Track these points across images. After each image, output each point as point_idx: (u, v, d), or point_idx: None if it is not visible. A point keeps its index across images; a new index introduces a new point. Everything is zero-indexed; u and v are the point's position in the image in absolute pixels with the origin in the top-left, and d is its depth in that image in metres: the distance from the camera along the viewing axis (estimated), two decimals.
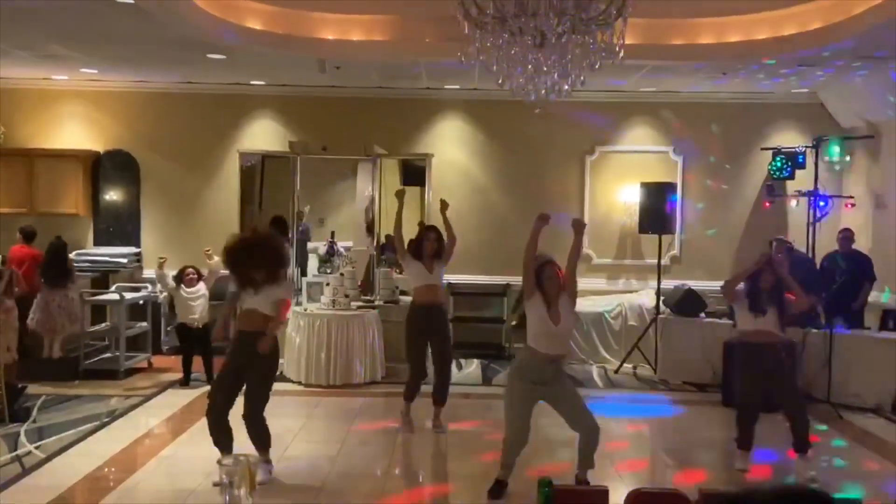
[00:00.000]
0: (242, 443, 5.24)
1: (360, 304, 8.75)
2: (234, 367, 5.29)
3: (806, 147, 9.29)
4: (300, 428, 6.67)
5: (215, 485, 4.98)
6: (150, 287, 9.37)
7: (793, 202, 9.67)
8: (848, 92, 9.30)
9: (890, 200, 9.03)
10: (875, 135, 9.25)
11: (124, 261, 9.83)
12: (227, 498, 1.58)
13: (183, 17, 6.57)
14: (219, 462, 1.74)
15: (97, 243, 10.21)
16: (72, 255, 9.68)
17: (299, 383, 8.18)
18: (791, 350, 5.99)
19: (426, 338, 6.65)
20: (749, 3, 7.02)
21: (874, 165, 9.43)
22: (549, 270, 5.10)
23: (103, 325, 9.08)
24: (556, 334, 5.06)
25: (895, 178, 8.90)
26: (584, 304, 9.49)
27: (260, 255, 5.33)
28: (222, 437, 5.19)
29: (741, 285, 5.91)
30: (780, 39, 7.14)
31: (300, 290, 9.17)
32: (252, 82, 9.91)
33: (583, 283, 9.86)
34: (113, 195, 10.27)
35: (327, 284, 8.61)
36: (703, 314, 8.59)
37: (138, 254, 10.17)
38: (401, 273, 7.10)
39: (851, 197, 9.52)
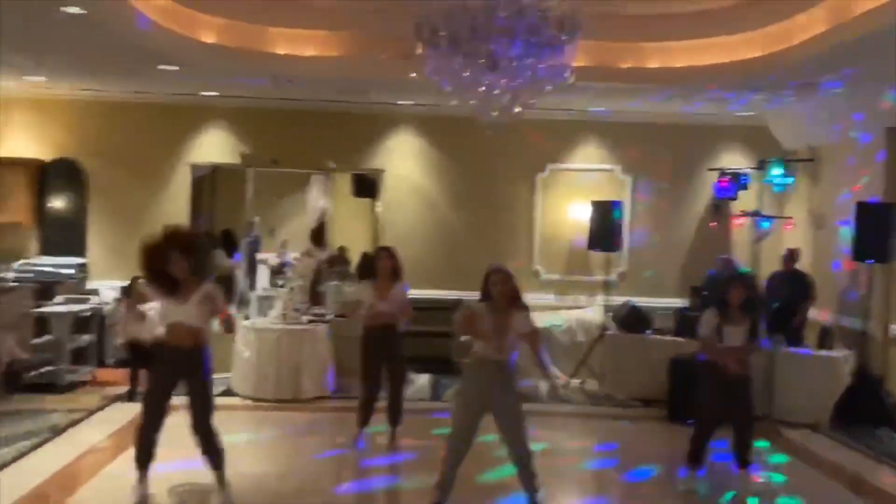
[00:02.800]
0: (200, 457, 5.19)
1: (311, 318, 8.70)
2: (165, 385, 5.15)
3: (750, 168, 9.56)
4: (247, 443, 6.62)
5: None
6: (95, 299, 9.19)
7: (737, 222, 9.92)
8: (790, 117, 9.60)
9: (828, 221, 9.33)
10: (815, 158, 9.57)
11: (70, 271, 9.63)
12: None
13: (135, 29, 6.51)
14: (170, 491, 1.74)
15: (42, 253, 9.99)
16: (15, 265, 9.48)
17: (247, 398, 8.10)
18: (749, 373, 6.04)
19: (381, 361, 6.64)
20: (695, 29, 7.23)
21: (814, 187, 9.74)
22: (495, 277, 5.05)
23: (46, 337, 8.86)
24: (502, 346, 5.05)
25: (833, 200, 9.21)
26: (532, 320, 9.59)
27: (176, 245, 4.98)
28: (150, 457, 5.12)
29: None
30: (723, 66, 7.36)
31: (248, 302, 9.09)
32: (203, 93, 9.83)
33: (531, 298, 10.02)
34: (58, 204, 10.08)
35: (277, 298, 8.55)
36: (648, 331, 8.75)
37: (84, 265, 9.97)
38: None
39: (790, 218, 9.81)
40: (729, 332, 5.78)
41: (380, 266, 6.56)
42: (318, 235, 9.93)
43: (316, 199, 10.26)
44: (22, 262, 9.59)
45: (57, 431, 6.79)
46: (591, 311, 9.92)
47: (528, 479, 5.08)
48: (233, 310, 8.96)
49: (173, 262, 4.97)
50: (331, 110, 10.11)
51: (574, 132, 10.43)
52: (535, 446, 6.56)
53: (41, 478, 5.60)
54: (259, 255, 10.42)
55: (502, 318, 5.02)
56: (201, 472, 5.13)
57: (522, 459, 5.06)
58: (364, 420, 6.64)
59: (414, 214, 10.34)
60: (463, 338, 5.34)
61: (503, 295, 5.01)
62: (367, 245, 9.98)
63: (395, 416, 6.71)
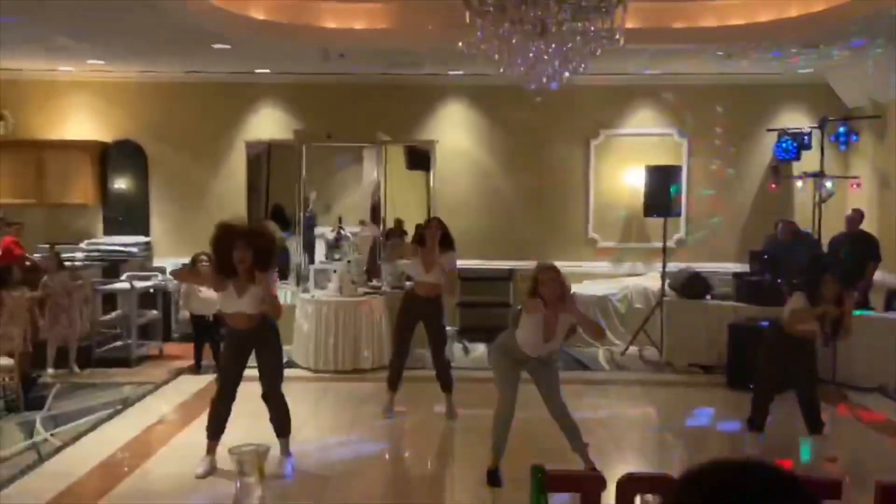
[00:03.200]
0: (262, 432, 5.35)
1: (367, 290, 8.83)
2: (237, 358, 5.35)
3: (812, 128, 9.28)
4: (309, 413, 6.77)
5: (198, 477, 5.16)
6: (160, 276, 9.48)
7: (798, 183, 9.68)
8: (853, 72, 9.27)
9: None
10: (881, 115, 9.24)
11: (134, 250, 9.95)
12: (238, 485, 1.66)
13: (188, 9, 6.61)
14: (230, 451, 1.82)
15: (107, 233, 10.32)
16: (82, 245, 9.83)
17: (308, 369, 8.27)
18: (813, 341, 5.94)
19: (415, 321, 6.69)
20: None
21: (880, 146, 9.42)
22: (543, 276, 5.01)
23: (114, 313, 9.19)
24: (544, 348, 5.12)
25: None
26: (589, 288, 9.58)
27: (251, 240, 5.14)
28: (221, 428, 5.29)
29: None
30: (783, 21, 7.13)
31: (307, 276, 9.26)
32: (257, 71, 9.95)
33: (588, 266, 10.02)
34: (122, 185, 10.37)
35: (334, 271, 8.69)
36: (708, 296, 8.63)
37: (148, 243, 10.26)
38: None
39: (857, 177, 9.52)
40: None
41: (428, 236, 6.56)
42: (375, 212, 10.04)
43: (370, 172, 10.34)
44: (89, 241, 9.93)
45: (128, 403, 7.08)
46: (649, 279, 9.83)
47: (572, 433, 5.17)
48: (287, 286, 9.19)
49: (237, 252, 5.11)
50: (382, 83, 10.13)
51: (628, 96, 10.25)
52: (594, 414, 6.64)
53: (115, 446, 5.87)
54: (316, 230, 10.57)
55: (551, 318, 5.03)
56: (262, 439, 5.29)
57: (562, 415, 5.17)
58: (394, 383, 6.73)
59: (466, 185, 10.34)
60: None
61: (553, 293, 4.99)
62: (421, 217, 10.02)
63: (445, 382, 6.76)
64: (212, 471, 5.23)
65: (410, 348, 6.86)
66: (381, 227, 9.94)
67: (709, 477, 0.98)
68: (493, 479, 5.18)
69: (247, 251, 5.10)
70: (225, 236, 5.19)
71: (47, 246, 8.40)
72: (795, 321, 5.66)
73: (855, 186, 9.50)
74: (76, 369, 7.98)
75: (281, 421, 5.43)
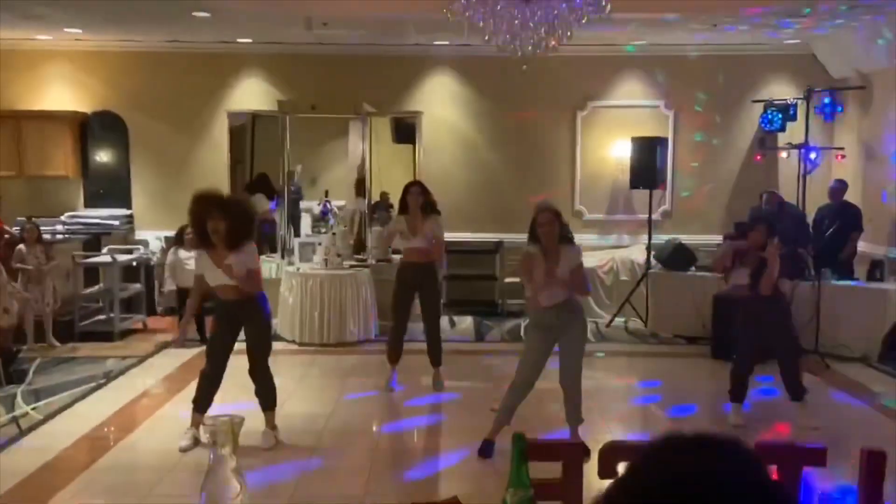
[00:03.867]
0: (247, 405, 5.32)
1: (353, 263, 8.78)
2: (226, 331, 5.32)
3: (797, 99, 9.25)
4: (295, 386, 6.75)
5: (182, 450, 5.12)
6: (142, 249, 9.38)
7: (783, 154, 9.66)
8: (839, 42, 9.24)
9: (880, 151, 9.03)
10: (866, 85, 9.21)
11: (116, 223, 9.82)
12: (212, 456, 1.62)
13: None
14: (203, 422, 1.78)
15: (88, 205, 10.18)
16: (63, 218, 9.70)
17: (293, 342, 8.24)
18: (781, 300, 5.98)
19: (412, 291, 6.65)
20: None
21: (865, 116, 9.41)
22: (542, 217, 4.96)
23: (97, 287, 9.10)
24: (553, 285, 5.00)
25: (886, 128, 8.89)
26: None
27: (224, 209, 5.08)
28: (209, 399, 5.25)
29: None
30: None
31: (292, 250, 9.19)
32: (238, 40, 9.79)
33: (575, 238, 9.97)
34: (102, 157, 10.22)
35: (319, 244, 8.63)
36: (693, 268, 8.65)
37: (130, 215, 10.14)
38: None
39: (842, 148, 9.52)
40: (740, 270, 5.78)
41: (409, 201, 6.48)
42: (360, 186, 9.95)
43: (355, 145, 10.23)
44: (69, 214, 9.81)
45: (111, 377, 7.03)
46: (635, 251, 9.83)
47: (573, 405, 5.17)
48: (272, 259, 9.13)
49: (211, 221, 5.04)
50: (367, 54, 9.99)
51: (615, 68, 10.17)
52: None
53: (98, 420, 5.83)
54: (302, 204, 10.48)
55: (552, 262, 4.97)
56: (248, 412, 5.26)
57: (570, 384, 5.15)
58: (394, 357, 6.70)
59: (453, 157, 10.27)
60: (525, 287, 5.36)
61: (551, 235, 4.94)
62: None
63: (435, 355, 6.75)
64: (195, 443, 5.21)
65: (408, 322, 6.79)
66: (367, 200, 9.85)
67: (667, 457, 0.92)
68: (486, 450, 5.14)
69: (220, 221, 5.03)
70: (199, 206, 5.12)
71: (24, 219, 8.29)
72: (715, 262, 6.03)
73: (840, 157, 9.50)
74: (55, 343, 7.91)
75: (266, 394, 5.40)
